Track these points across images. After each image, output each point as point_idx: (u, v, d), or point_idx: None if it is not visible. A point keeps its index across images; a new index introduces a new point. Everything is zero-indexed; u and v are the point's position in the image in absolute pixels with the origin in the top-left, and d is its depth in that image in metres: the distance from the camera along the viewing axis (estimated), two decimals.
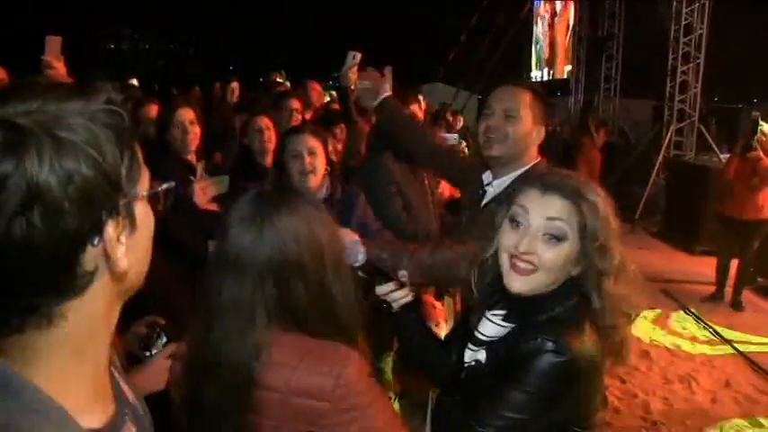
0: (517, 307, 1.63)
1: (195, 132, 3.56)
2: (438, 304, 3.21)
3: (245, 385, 1.47)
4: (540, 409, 1.51)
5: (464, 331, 1.81)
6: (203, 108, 4.79)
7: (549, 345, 1.48)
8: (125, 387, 1.04)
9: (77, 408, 0.83)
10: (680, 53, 10.68)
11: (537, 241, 1.55)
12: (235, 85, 6.91)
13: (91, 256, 0.80)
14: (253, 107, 4.62)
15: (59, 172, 0.74)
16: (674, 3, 10.63)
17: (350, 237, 1.92)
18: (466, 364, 1.73)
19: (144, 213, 0.88)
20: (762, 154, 6.21)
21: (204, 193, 3.27)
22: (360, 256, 1.92)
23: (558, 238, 1.54)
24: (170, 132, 3.51)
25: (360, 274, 1.86)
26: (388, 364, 3.48)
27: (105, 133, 0.80)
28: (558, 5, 17.68)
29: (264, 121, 3.83)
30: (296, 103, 4.54)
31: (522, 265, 1.57)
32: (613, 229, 1.56)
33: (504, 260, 1.61)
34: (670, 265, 7.95)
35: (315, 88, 5.62)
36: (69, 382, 0.84)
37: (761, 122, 6.23)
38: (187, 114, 3.56)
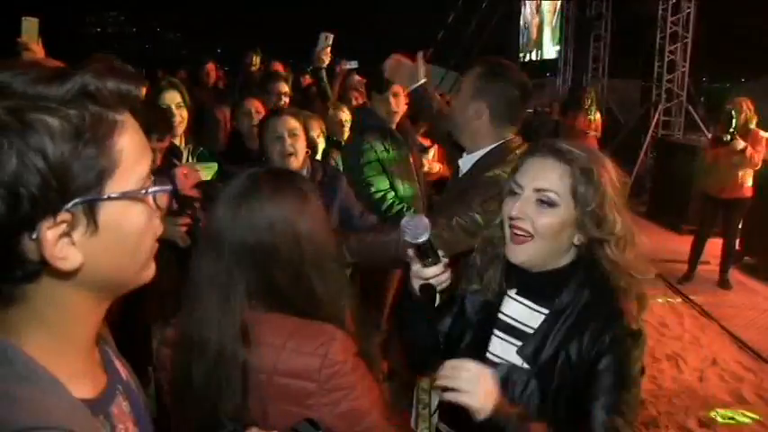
0: (537, 286, 1.65)
1: (182, 116, 3.49)
2: None
3: (232, 364, 1.46)
4: (639, 383, 1.57)
5: (476, 326, 1.76)
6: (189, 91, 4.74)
7: (620, 331, 1.53)
8: (118, 364, 1.08)
9: (66, 380, 0.85)
10: (668, 32, 10.66)
11: (530, 206, 1.56)
12: (210, 66, 6.83)
13: (30, 249, 0.80)
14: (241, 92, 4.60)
15: None
16: None
17: (419, 216, 1.69)
18: (496, 358, 1.66)
19: (119, 214, 0.86)
20: (742, 143, 6.13)
21: (187, 178, 3.21)
22: (423, 234, 1.65)
23: (549, 204, 1.54)
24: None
25: (409, 252, 1.71)
26: (376, 345, 3.47)
27: (59, 129, 0.77)
28: None
29: (254, 104, 3.80)
30: (284, 87, 4.50)
31: (518, 232, 1.58)
32: (610, 197, 1.54)
33: (506, 231, 1.63)
34: (658, 244, 7.97)
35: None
36: (52, 356, 0.86)
37: (734, 115, 6.19)
38: (173, 98, 3.49)
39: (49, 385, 0.83)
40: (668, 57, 10.70)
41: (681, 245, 7.49)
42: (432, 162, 4.56)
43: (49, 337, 0.87)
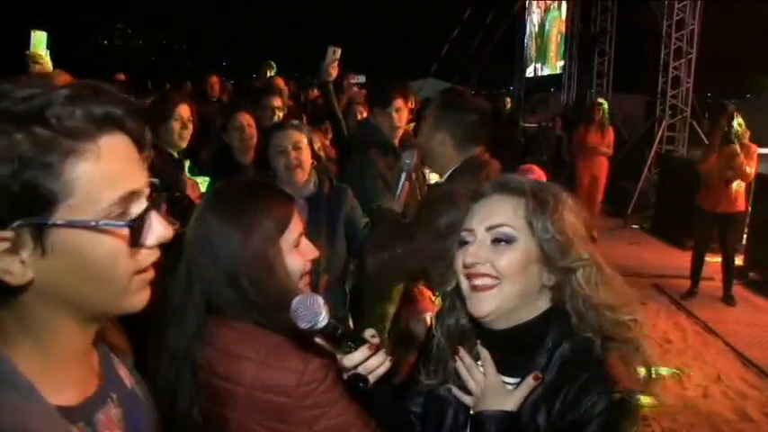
0: (506, 347, 1.44)
1: (191, 129, 3.54)
2: (431, 296, 3.21)
3: (187, 367, 1.50)
4: None
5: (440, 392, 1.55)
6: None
7: (605, 400, 1.29)
8: (124, 373, 1.10)
9: (46, 387, 0.88)
10: (672, 48, 10.68)
11: (484, 249, 1.39)
12: (214, 79, 6.88)
13: None
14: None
15: None
16: None
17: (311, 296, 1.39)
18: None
19: (76, 241, 0.85)
20: (738, 148, 6.22)
21: (193, 189, 3.25)
22: (320, 317, 1.34)
23: (506, 240, 1.38)
24: (166, 126, 3.45)
25: (318, 341, 1.39)
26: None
27: (3, 148, 0.77)
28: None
29: (245, 118, 3.78)
30: (277, 101, 4.52)
31: (479, 281, 1.38)
32: (570, 223, 1.39)
33: (464, 285, 1.42)
34: (661, 260, 7.96)
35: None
36: (35, 364, 0.89)
37: (736, 115, 6.25)
38: (186, 111, 3.53)
39: (23, 391, 0.85)
40: (672, 72, 10.72)
41: (685, 260, 7.48)
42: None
43: (33, 347, 0.90)
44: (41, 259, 0.83)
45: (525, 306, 1.41)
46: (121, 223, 0.87)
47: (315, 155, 3.12)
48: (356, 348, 1.41)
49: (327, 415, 1.46)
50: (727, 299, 6.55)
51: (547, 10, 18.15)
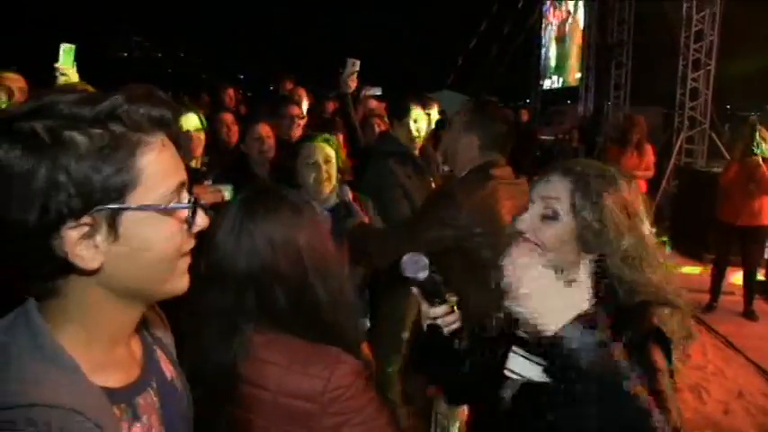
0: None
1: (200, 139, 3.59)
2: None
3: (229, 381, 1.51)
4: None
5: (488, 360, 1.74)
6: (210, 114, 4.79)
7: (637, 331, 1.45)
8: (166, 365, 1.19)
9: (91, 369, 0.96)
10: (690, 60, 10.60)
11: (535, 221, 1.59)
12: (230, 91, 6.93)
13: (58, 246, 0.91)
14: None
15: (24, 173, 0.86)
16: (685, 9, 10.57)
17: (419, 255, 1.74)
18: (513, 374, 1.64)
19: (141, 225, 0.95)
20: (760, 159, 6.13)
21: (215, 196, 3.25)
22: (421, 272, 1.70)
23: (552, 217, 1.57)
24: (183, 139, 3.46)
25: (414, 290, 1.75)
26: (395, 369, 3.46)
27: (84, 145, 0.88)
28: (567, 6, 17.64)
29: (264, 129, 3.79)
30: (296, 110, 4.53)
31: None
32: (610, 211, 1.53)
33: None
34: (679, 273, 7.87)
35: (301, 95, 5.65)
36: (80, 346, 0.97)
37: (759, 126, 6.18)
38: (191, 121, 3.55)
39: (69, 370, 0.94)
40: (691, 84, 10.64)
41: (703, 274, 7.39)
42: None
43: (80, 330, 0.98)
44: (112, 244, 0.94)
45: (562, 273, 1.56)
46: (185, 204, 1.01)
47: (340, 168, 3.14)
48: (441, 304, 1.74)
49: (352, 421, 1.48)
50: (749, 313, 6.45)
51: (563, 21, 18.13)
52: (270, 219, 1.54)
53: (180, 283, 1.06)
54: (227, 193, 3.39)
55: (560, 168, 1.62)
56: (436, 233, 2.58)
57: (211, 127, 4.09)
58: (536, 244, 1.56)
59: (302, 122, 4.51)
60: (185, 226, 1.02)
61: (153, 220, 0.97)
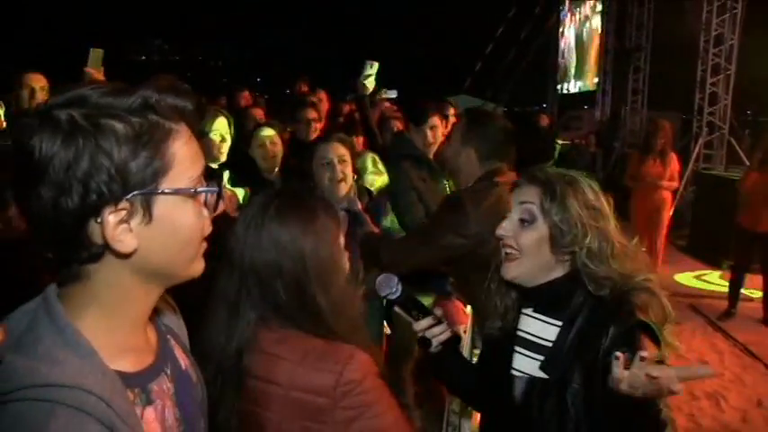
0: (544, 300, 1.74)
1: (228, 142, 3.56)
2: (466, 309, 3.20)
3: (233, 373, 1.54)
4: None
5: (499, 348, 1.85)
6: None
7: (620, 324, 1.58)
8: (180, 354, 1.22)
9: (108, 353, 0.98)
10: (709, 64, 10.53)
11: (514, 226, 1.73)
12: (245, 94, 6.96)
13: (95, 231, 0.95)
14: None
15: (64, 159, 0.90)
16: (704, 13, 10.50)
17: (390, 276, 1.85)
18: (519, 373, 1.75)
19: (171, 209, 1.00)
20: None
21: (230, 200, 3.26)
22: (394, 288, 1.82)
23: (528, 221, 1.71)
24: (206, 141, 3.44)
25: (396, 309, 1.84)
26: (408, 371, 3.45)
27: (122, 132, 0.93)
28: (585, 11, 17.55)
29: (268, 135, 3.76)
30: (312, 114, 4.52)
31: (507, 250, 1.74)
32: (575, 211, 1.66)
33: (501, 251, 1.77)
34: (698, 279, 7.80)
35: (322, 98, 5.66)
36: (101, 331, 1.00)
37: None
38: (223, 125, 3.54)
39: (86, 354, 0.96)
40: (710, 89, 10.56)
41: (721, 281, 7.31)
42: None
43: (101, 314, 1.01)
44: (145, 227, 0.98)
45: (543, 274, 1.73)
46: (214, 188, 1.07)
47: (355, 168, 3.13)
48: (423, 317, 1.82)
49: (364, 416, 1.49)
50: None
51: (581, 26, 18.04)
52: (279, 220, 1.58)
53: (199, 265, 1.10)
54: (240, 195, 3.41)
55: (528, 176, 1.78)
56: (448, 241, 2.62)
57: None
58: (514, 248, 1.72)
59: (319, 126, 4.51)
60: (206, 211, 1.07)
61: (183, 203, 1.01)
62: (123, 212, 0.95)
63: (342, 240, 1.67)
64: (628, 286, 1.64)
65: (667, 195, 7.25)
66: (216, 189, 1.08)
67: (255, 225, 1.59)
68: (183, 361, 1.22)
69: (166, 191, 0.98)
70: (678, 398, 4.70)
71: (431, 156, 3.85)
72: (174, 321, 1.28)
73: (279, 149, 3.75)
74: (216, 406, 1.50)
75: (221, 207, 3.21)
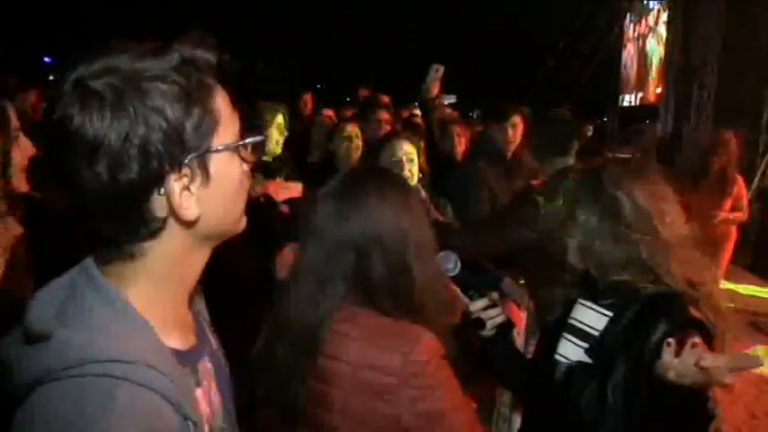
0: (602, 293, 1.77)
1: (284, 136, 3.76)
2: (521, 313, 3.24)
3: (311, 349, 1.53)
4: None
5: (548, 335, 1.90)
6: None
7: (675, 320, 1.60)
8: (210, 335, 1.19)
9: (159, 329, 0.95)
10: None
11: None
12: (307, 97, 7.10)
13: (158, 204, 0.91)
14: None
15: (118, 130, 0.85)
16: None
17: (451, 253, 1.93)
18: (563, 358, 1.78)
19: (223, 166, 0.97)
20: None
21: (277, 193, 3.40)
22: (453, 265, 1.89)
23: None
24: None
25: (453, 286, 1.87)
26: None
27: (171, 92, 0.88)
28: (648, 23, 17.23)
29: (354, 129, 3.94)
30: (384, 114, 4.64)
31: None
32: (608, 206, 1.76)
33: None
34: (760, 297, 7.59)
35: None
36: (151, 307, 0.95)
37: None
38: (279, 120, 3.73)
39: (141, 328, 0.93)
40: None
41: None
42: None
43: (154, 291, 0.97)
44: (204, 189, 0.95)
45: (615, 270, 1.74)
46: (260, 137, 1.04)
47: (420, 168, 3.23)
48: (479, 298, 1.88)
49: (429, 397, 1.49)
50: None
51: (645, 38, 17.70)
52: (380, 195, 1.58)
53: (243, 221, 1.07)
54: (296, 190, 3.55)
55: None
56: (518, 234, 2.68)
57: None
58: None
59: (389, 127, 4.63)
60: (246, 165, 1.03)
61: (231, 159, 0.98)
62: (186, 178, 0.91)
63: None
64: (687, 288, 1.65)
65: (727, 229, 6.18)
66: (261, 138, 1.06)
67: (353, 199, 1.58)
68: (214, 341, 1.19)
69: (219, 148, 0.95)
70: (737, 417, 4.63)
71: (509, 154, 3.92)
72: (200, 303, 1.23)
73: (360, 144, 3.91)
74: (287, 380, 1.55)
75: (291, 193, 3.38)
